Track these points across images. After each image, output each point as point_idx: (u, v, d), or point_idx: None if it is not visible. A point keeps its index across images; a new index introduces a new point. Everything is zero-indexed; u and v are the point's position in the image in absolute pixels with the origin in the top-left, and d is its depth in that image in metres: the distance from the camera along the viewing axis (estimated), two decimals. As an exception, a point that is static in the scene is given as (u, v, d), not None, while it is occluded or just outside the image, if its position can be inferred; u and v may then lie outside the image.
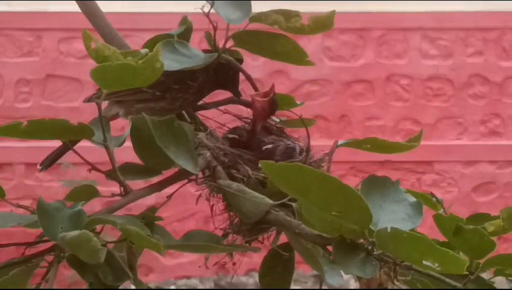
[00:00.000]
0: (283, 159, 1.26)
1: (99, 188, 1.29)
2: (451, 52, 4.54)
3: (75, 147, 1.30)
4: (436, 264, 0.98)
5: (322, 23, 1.28)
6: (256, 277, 4.34)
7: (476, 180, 4.52)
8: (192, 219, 4.29)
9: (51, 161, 1.31)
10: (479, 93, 4.56)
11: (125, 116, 1.32)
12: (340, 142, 1.29)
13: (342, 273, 1.21)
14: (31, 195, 4.21)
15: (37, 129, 1.21)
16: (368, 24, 4.50)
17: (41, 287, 1.22)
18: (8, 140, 4.32)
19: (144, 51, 1.18)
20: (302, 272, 4.26)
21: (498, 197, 4.49)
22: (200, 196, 1.28)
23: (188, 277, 4.42)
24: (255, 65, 4.09)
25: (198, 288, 4.39)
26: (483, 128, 4.55)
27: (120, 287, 1.19)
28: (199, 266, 1.34)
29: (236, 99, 1.36)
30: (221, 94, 1.39)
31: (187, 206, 4.20)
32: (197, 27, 1.37)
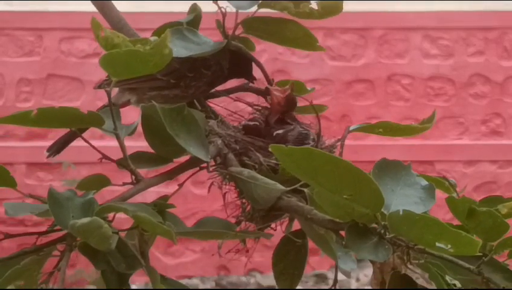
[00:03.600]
0: (295, 145, 1.26)
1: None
2: (452, 51, 4.55)
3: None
4: (449, 246, 0.98)
5: (331, 8, 1.28)
6: (257, 276, 4.33)
7: (477, 179, 4.52)
8: (193, 218, 4.27)
9: (58, 148, 1.31)
10: (480, 93, 4.57)
11: (137, 103, 1.32)
12: (352, 127, 1.28)
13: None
14: (32, 195, 4.21)
15: (47, 118, 1.21)
16: (369, 24, 4.50)
17: (52, 278, 1.22)
18: (10, 140, 4.32)
19: (153, 38, 1.17)
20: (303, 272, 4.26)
21: (499, 197, 4.49)
22: (212, 183, 1.28)
23: (189, 277, 4.41)
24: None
25: (199, 288, 4.39)
26: (485, 128, 4.56)
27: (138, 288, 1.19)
28: (212, 255, 1.34)
29: (248, 86, 1.36)
30: (232, 82, 1.39)
31: (188, 205, 4.20)
32: (203, 26, 1.37)
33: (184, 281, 4.40)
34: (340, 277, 1.26)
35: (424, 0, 4.47)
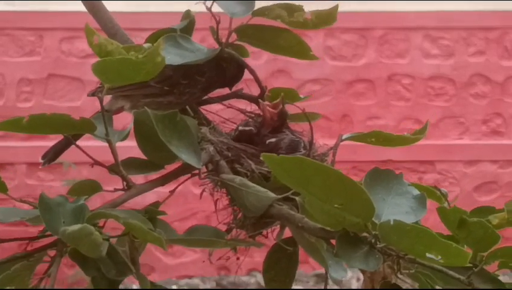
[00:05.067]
0: (287, 153, 1.26)
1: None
2: (453, 51, 4.54)
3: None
4: (440, 257, 0.98)
5: (325, 18, 1.28)
6: (258, 276, 4.34)
7: (478, 179, 4.52)
8: (193, 219, 4.29)
9: (53, 156, 1.31)
10: (481, 93, 4.56)
11: (130, 110, 1.32)
12: (344, 136, 1.28)
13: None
14: (33, 195, 4.21)
15: (39, 124, 1.21)
16: (370, 23, 4.50)
17: (43, 283, 1.22)
18: (10, 140, 4.33)
19: (147, 45, 1.17)
20: (304, 272, 4.26)
21: (500, 197, 4.49)
22: (203, 190, 1.28)
23: (190, 277, 4.42)
24: (256, 64, 4.07)
25: (200, 288, 4.39)
26: (485, 128, 4.55)
27: (122, 287, 1.19)
28: (203, 261, 1.34)
29: (241, 94, 1.36)
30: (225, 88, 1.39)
31: (188, 205, 4.21)
32: (198, 26, 1.37)
33: (185, 281, 4.41)
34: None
35: (424, 0, 4.46)
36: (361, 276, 4.26)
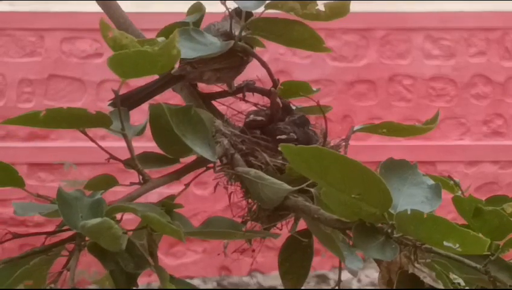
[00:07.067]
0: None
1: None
2: (454, 52, 4.55)
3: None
4: (457, 245, 0.99)
5: (338, 10, 1.28)
6: (259, 277, 4.34)
7: (479, 180, 4.53)
8: (194, 219, 4.27)
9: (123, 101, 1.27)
10: (482, 94, 4.57)
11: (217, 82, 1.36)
12: (356, 127, 1.29)
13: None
14: (34, 195, 4.20)
15: (55, 118, 1.22)
16: (371, 24, 4.51)
17: (62, 277, 1.22)
18: (11, 140, 4.32)
19: (161, 39, 1.18)
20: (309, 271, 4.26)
21: (500, 197, 4.49)
22: (218, 183, 1.28)
23: (191, 277, 4.42)
24: (258, 65, 4.07)
25: (201, 288, 4.39)
26: (486, 129, 4.56)
27: (141, 288, 1.19)
28: (218, 254, 1.34)
29: (252, 87, 1.37)
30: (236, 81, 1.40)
31: (190, 206, 4.21)
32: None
33: (186, 282, 4.40)
34: (342, 277, 1.27)
35: (425, 0, 4.47)
36: (362, 277, 4.24)
